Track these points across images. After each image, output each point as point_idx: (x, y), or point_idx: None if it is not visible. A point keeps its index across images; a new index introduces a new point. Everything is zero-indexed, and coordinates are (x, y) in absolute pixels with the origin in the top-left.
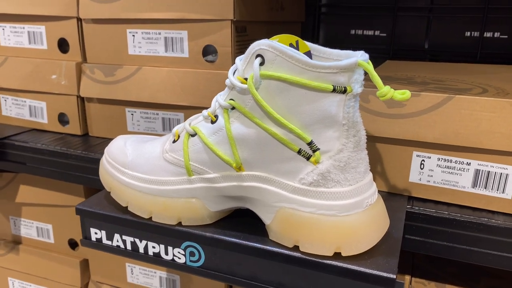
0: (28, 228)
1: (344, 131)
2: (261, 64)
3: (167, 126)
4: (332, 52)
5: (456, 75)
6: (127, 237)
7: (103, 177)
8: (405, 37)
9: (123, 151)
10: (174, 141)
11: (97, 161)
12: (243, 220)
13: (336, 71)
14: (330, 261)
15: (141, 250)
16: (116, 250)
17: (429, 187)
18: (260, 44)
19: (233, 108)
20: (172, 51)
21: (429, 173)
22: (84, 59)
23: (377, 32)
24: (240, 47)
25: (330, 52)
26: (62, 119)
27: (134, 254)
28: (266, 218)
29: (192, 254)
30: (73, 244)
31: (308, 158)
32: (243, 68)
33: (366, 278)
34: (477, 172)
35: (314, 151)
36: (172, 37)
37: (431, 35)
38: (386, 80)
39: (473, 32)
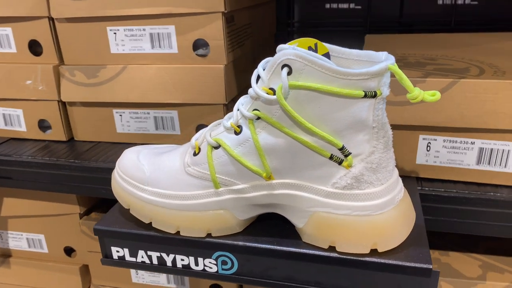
0: (17, 241)
1: (374, 134)
2: (288, 73)
3: (160, 125)
4: (351, 52)
5: (443, 50)
6: (153, 252)
7: (119, 195)
8: (380, 9)
9: (138, 167)
10: (195, 154)
11: (89, 169)
12: (271, 224)
13: (367, 77)
14: (368, 258)
15: (169, 264)
16: (141, 266)
17: (435, 167)
18: (286, 54)
19: (258, 118)
20: (160, 47)
21: (435, 154)
22: (61, 61)
23: (352, 5)
24: (230, 38)
25: (349, 52)
26: (43, 124)
27: (161, 268)
28: (299, 222)
29: (224, 263)
30: (68, 251)
31: (340, 163)
32: (267, 78)
33: (404, 270)
34: (481, 150)
35: (346, 155)
36: (158, 33)
37: (405, 6)
38: None
39: (445, 0)
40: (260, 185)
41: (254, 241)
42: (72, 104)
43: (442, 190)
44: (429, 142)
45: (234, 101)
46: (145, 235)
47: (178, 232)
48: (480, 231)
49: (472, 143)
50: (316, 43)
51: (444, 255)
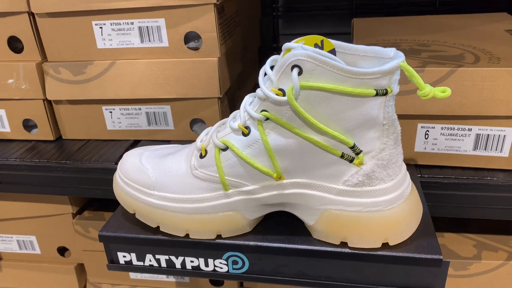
0: (7, 243)
1: (385, 130)
2: (298, 74)
3: (152, 120)
4: (358, 48)
5: (434, 34)
6: (161, 256)
7: (123, 200)
8: None
9: (142, 170)
10: (201, 156)
11: (83, 170)
12: (280, 221)
13: (379, 76)
14: (380, 252)
15: (178, 266)
16: (149, 270)
17: (433, 154)
18: (296, 55)
19: (267, 118)
20: (149, 41)
21: (433, 141)
22: (44, 58)
23: None
24: (222, 29)
25: (355, 48)
26: (27, 124)
27: (170, 270)
28: (309, 220)
29: (235, 262)
30: (62, 251)
31: (351, 161)
32: (276, 78)
33: (415, 262)
34: (477, 136)
35: (357, 153)
36: (147, 26)
37: None
38: None
39: None
40: (270, 185)
41: (265, 240)
42: (59, 102)
43: (441, 176)
44: (427, 130)
45: (227, 93)
46: (154, 240)
47: (187, 235)
48: (479, 215)
49: (469, 129)
50: (322, 40)
51: (440, 236)
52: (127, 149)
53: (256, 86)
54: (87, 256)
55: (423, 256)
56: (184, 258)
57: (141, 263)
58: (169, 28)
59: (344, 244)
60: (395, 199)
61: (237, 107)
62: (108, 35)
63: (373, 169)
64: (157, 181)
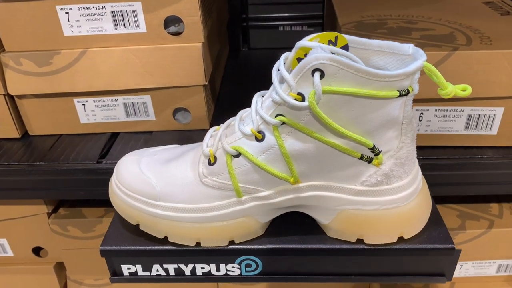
0: None
1: (403, 129)
2: (320, 77)
3: (131, 111)
4: (372, 43)
5: (416, 8)
6: (170, 265)
7: (125, 212)
8: None
9: (145, 180)
10: (210, 163)
11: (60, 172)
12: (292, 220)
13: (403, 77)
14: (396, 246)
15: (188, 273)
16: (156, 279)
17: (426, 135)
18: (319, 58)
19: (282, 123)
20: (125, 27)
21: (427, 123)
22: (1, 48)
23: None
24: (204, 12)
25: (369, 43)
26: None
27: (179, 278)
28: (324, 219)
29: (248, 265)
30: (37, 250)
31: (370, 161)
32: (295, 82)
33: (429, 252)
34: (469, 116)
35: (376, 154)
36: (121, 11)
37: None
38: (361, 28)
39: None
40: (286, 189)
41: (279, 243)
42: (22, 97)
43: (435, 157)
44: (422, 113)
45: (211, 81)
46: (162, 250)
47: (198, 243)
48: (471, 192)
49: (462, 110)
50: (337, 36)
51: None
52: (106, 144)
53: (230, 66)
54: (67, 254)
55: (437, 246)
56: (194, 266)
57: (147, 274)
58: (146, 13)
59: (360, 241)
60: (411, 194)
61: (217, 91)
62: (76, 21)
63: (392, 168)
64: (163, 191)
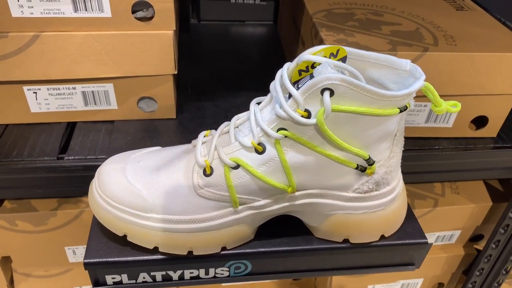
0: None
1: (395, 140)
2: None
3: (91, 100)
4: (370, 55)
5: None
6: (157, 272)
7: (110, 223)
8: None
9: (134, 192)
10: (205, 173)
11: (15, 171)
12: (279, 220)
13: (407, 97)
14: (377, 243)
15: (175, 278)
16: (142, 286)
17: None
18: (331, 78)
19: (285, 136)
20: (86, 10)
21: None
22: None
23: None
24: None
25: (367, 55)
26: None
27: (165, 284)
28: (314, 222)
29: (237, 268)
30: None
31: (363, 171)
32: (303, 98)
33: (407, 247)
34: (430, 111)
35: (370, 164)
36: None
37: None
38: (331, 19)
39: None
40: (283, 198)
41: (268, 246)
42: None
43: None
44: None
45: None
46: (151, 260)
47: (190, 251)
48: (433, 179)
49: (425, 106)
50: (339, 49)
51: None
52: (63, 135)
53: (181, 42)
54: (14, 248)
55: (413, 241)
56: (183, 271)
57: (133, 281)
58: None
59: (345, 240)
60: (395, 196)
61: (180, 80)
62: (28, 1)
63: (383, 176)
64: (155, 203)
